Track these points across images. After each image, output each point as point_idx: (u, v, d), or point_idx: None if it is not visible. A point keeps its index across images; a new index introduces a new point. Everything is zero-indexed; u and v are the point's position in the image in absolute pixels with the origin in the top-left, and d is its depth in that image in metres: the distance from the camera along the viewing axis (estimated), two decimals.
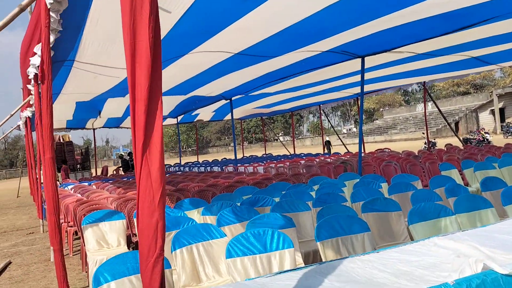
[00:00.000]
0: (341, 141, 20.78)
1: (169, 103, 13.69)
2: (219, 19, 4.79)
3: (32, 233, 9.15)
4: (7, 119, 9.88)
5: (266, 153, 23.08)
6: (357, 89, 12.72)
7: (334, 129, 26.14)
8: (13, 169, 62.71)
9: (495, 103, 38.88)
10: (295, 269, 2.37)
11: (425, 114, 15.05)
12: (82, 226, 4.74)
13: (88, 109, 13.43)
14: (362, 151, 15.35)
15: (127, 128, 20.52)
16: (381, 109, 60.09)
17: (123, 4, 1.22)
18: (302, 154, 18.31)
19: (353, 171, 9.22)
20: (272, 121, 68.65)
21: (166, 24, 4.52)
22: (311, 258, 3.93)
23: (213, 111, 18.20)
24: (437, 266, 2.20)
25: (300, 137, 67.23)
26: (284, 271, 2.34)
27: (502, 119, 37.25)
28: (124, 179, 12.12)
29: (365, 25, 5.79)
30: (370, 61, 8.15)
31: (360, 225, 3.38)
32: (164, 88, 9.18)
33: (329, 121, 24.50)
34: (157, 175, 1.37)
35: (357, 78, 9.85)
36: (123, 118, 17.21)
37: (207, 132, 79.96)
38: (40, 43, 4.59)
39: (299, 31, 5.64)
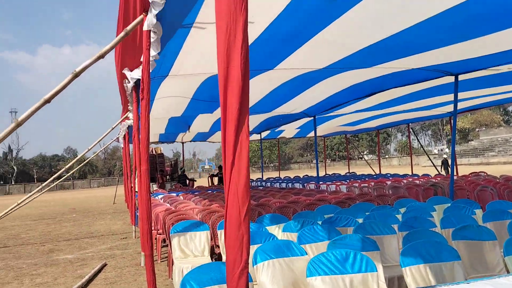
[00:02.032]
0: (432, 162, 19.63)
1: (253, 120, 14.06)
2: (304, 31, 4.80)
3: (126, 238, 9.86)
4: (109, 132, 10.88)
5: (350, 171, 22.56)
6: (450, 107, 12.00)
7: (424, 149, 24.74)
8: (110, 178, 68.43)
9: None
10: None
11: None
12: (170, 235, 5.03)
13: (179, 124, 14.28)
14: (455, 174, 14.39)
15: (213, 142, 21.47)
16: (477, 129, 55.78)
17: (219, 34, 1.34)
18: (388, 174, 17.61)
19: (444, 195, 8.66)
20: (356, 138, 67.09)
21: (251, 34, 4.63)
22: (396, 284, 3.77)
23: (297, 128, 18.30)
24: None
25: (386, 156, 64.74)
26: None
27: None
28: (209, 191, 12.61)
29: (462, 44, 5.47)
30: (464, 77, 7.66)
31: (450, 252, 3.18)
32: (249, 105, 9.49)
33: (418, 140, 23.33)
34: (243, 191, 1.44)
35: (450, 96, 9.33)
36: (209, 133, 18.04)
37: (289, 148, 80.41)
38: (139, 65, 5.09)
39: (388, 45, 5.49)
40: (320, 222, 4.95)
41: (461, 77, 7.53)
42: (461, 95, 8.93)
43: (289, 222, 4.93)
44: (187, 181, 20.43)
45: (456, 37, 5.23)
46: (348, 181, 14.26)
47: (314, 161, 58.46)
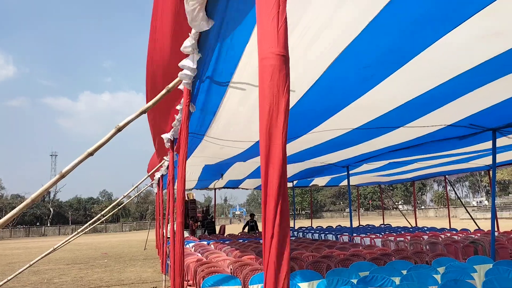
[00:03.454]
0: (470, 215, 18.80)
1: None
2: (340, 99, 4.96)
3: (155, 287, 9.82)
4: (145, 178, 11.16)
5: (384, 223, 21.89)
6: (489, 160, 11.64)
7: (461, 201, 23.84)
8: (142, 222, 69.09)
9: None
10: None
11: None
12: None
13: (213, 172, 14.48)
14: (496, 229, 13.71)
15: (244, 189, 21.51)
16: None
17: (262, 113, 1.43)
18: (425, 228, 16.97)
19: (485, 253, 8.25)
20: (391, 188, 65.50)
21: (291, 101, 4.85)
22: None
23: (329, 176, 18.17)
24: None
25: (422, 207, 62.60)
26: None
27: None
28: (240, 240, 12.51)
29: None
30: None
31: None
32: None
33: (455, 191, 22.47)
34: (285, 262, 1.46)
35: (488, 147, 9.11)
36: (241, 181, 18.14)
37: (321, 195, 79.25)
38: (175, 120, 5.33)
39: (419, 103, 5.51)
40: (355, 281, 4.81)
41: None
42: (500, 145, 8.70)
43: (323, 280, 4.82)
44: (217, 229, 20.41)
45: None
46: (382, 234, 13.83)
47: (347, 210, 57.20)
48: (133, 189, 10.82)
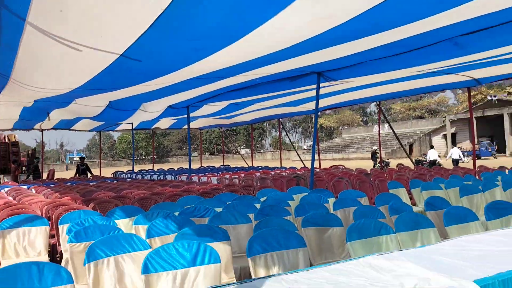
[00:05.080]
0: (299, 156, 20.78)
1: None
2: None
3: None
4: None
5: (225, 164, 22.73)
6: (314, 105, 12.75)
7: (293, 145, 26.14)
8: None
9: (447, 128, 40.47)
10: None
11: (378, 133, 15.29)
12: None
13: (36, 112, 12.67)
14: (318, 167, 15.38)
15: (80, 131, 19.66)
16: (340, 128, 61.30)
17: None
18: (260, 167, 18.12)
19: (306, 185, 9.07)
20: (234, 133, 68.46)
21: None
22: (248, 274, 3.67)
23: (173, 119, 17.75)
24: None
25: (262, 151, 67.32)
26: None
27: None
28: (68, 183, 11.45)
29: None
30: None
31: (297, 240, 3.15)
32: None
33: (288, 136, 24.50)
34: None
35: (313, 93, 9.81)
36: (75, 120, 16.46)
37: (168, 140, 78.56)
38: None
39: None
40: (177, 213, 4.66)
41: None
42: (323, 90, 9.46)
43: (144, 213, 4.55)
44: (43, 174, 18.50)
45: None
46: (220, 173, 14.25)
47: (193, 154, 58.15)
48: None
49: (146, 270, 2.53)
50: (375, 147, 27.64)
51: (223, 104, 12.07)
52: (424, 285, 1.76)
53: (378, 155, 21.88)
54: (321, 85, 8.37)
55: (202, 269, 2.65)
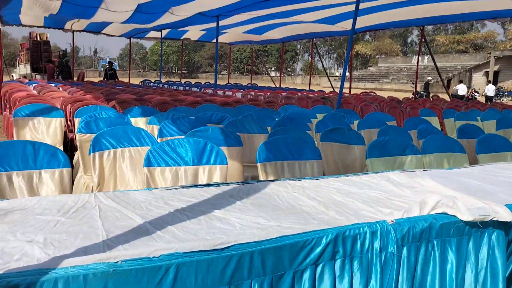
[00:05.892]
0: (329, 81, 20.10)
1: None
2: None
3: None
4: None
5: (252, 83, 22.33)
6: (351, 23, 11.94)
7: (325, 70, 25.22)
8: None
9: (491, 65, 38.13)
10: (210, 184, 1.94)
11: (417, 62, 14.42)
12: (13, 119, 4.22)
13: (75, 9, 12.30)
14: (349, 93, 14.84)
15: (110, 35, 19.34)
16: (377, 56, 58.67)
17: None
18: (287, 88, 17.68)
19: (333, 107, 8.73)
20: (266, 54, 66.83)
21: None
22: None
23: (202, 30, 17.15)
24: (380, 201, 1.78)
25: (292, 74, 65.97)
26: (195, 185, 1.90)
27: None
28: (95, 85, 11.46)
29: None
30: None
31: (312, 151, 2.94)
32: None
33: (322, 61, 23.57)
34: None
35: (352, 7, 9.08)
36: (104, 24, 16.10)
37: (198, 56, 77.63)
38: None
39: None
40: (194, 118, 4.50)
41: None
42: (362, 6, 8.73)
43: (159, 114, 4.41)
44: (73, 76, 18.55)
45: None
46: (246, 90, 13.97)
47: (223, 72, 57.52)
48: None
49: (148, 163, 2.39)
50: (429, 78, 26.83)
51: (255, 13, 11.42)
52: (449, 203, 1.53)
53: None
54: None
55: (206, 169, 2.50)
